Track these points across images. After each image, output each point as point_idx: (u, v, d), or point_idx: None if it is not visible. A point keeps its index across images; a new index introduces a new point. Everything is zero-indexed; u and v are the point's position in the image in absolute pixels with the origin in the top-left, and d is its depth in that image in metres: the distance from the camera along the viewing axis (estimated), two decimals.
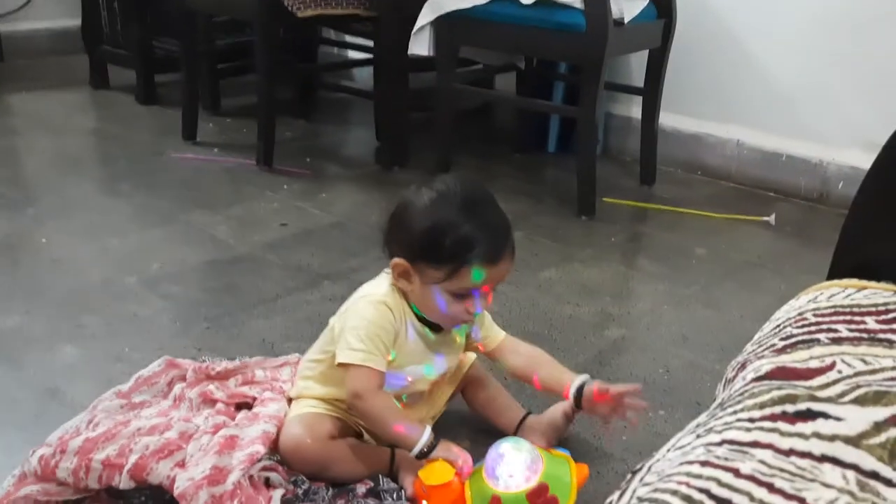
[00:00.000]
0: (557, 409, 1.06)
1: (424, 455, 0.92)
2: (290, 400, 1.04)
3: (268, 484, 0.92)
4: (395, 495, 0.94)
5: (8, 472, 0.95)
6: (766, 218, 1.95)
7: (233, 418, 1.01)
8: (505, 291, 1.53)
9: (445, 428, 1.05)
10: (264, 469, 0.91)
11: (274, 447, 0.96)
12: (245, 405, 1.06)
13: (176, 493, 0.87)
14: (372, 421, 0.97)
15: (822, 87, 2.06)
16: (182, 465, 0.92)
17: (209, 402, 1.04)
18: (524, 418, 1.07)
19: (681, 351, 1.35)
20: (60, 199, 1.87)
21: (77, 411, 1.06)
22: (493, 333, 1.08)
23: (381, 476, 0.96)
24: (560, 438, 1.06)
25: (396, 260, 0.95)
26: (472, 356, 1.12)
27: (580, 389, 1.01)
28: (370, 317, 0.95)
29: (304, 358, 1.07)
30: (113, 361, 1.22)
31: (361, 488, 0.94)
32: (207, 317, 1.37)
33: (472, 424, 1.10)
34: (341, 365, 0.95)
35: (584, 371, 1.25)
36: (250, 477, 0.89)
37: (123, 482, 0.91)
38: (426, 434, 0.93)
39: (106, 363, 1.22)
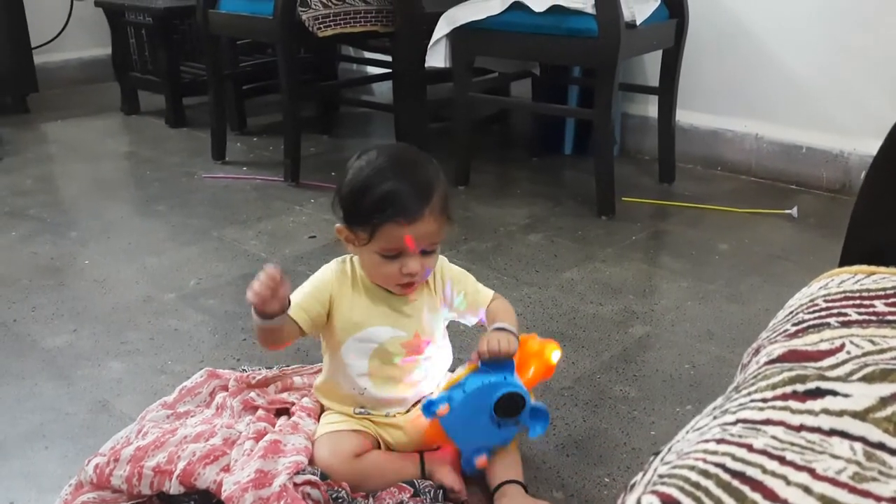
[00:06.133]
0: None
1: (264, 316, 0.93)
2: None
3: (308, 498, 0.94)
4: (432, 493, 0.96)
5: (64, 481, 1.00)
6: (788, 211, 1.95)
7: (273, 424, 1.06)
8: (528, 292, 1.56)
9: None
10: (306, 483, 0.94)
11: (314, 461, 0.99)
12: (284, 411, 1.10)
13: (223, 496, 0.91)
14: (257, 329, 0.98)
15: (839, 78, 2.06)
16: (227, 469, 0.96)
17: (250, 408, 1.09)
18: (509, 482, 0.97)
19: (706, 346, 1.36)
20: (100, 221, 1.94)
21: (126, 423, 1.11)
22: (479, 299, 1.06)
23: (416, 480, 0.98)
24: None
25: (337, 226, 0.99)
26: None
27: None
28: (313, 277, 1.03)
29: None
30: (157, 374, 1.28)
31: (401, 495, 0.96)
32: (245, 328, 1.42)
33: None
34: None
35: (611, 369, 1.28)
36: (294, 484, 0.92)
37: (173, 487, 0.95)
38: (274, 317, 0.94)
39: (151, 376, 1.27)
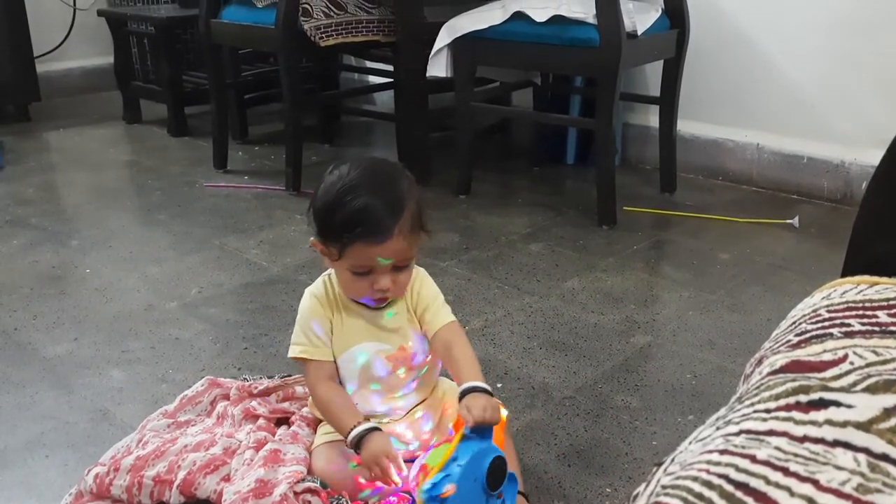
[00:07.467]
0: None
1: (356, 446, 0.91)
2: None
3: None
4: None
5: (65, 490, 1.00)
6: (789, 220, 1.95)
7: (273, 433, 1.06)
8: (529, 302, 1.56)
9: None
10: (306, 491, 0.94)
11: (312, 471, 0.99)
12: (285, 420, 1.10)
13: None
14: (321, 412, 0.99)
15: (840, 88, 2.07)
16: (227, 479, 0.96)
17: (251, 417, 1.09)
18: None
19: (708, 356, 1.36)
20: (101, 230, 1.94)
21: (127, 431, 1.11)
22: (435, 320, 1.02)
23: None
24: None
25: (312, 239, 0.99)
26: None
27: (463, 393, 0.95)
28: (303, 310, 1.01)
29: None
30: (158, 383, 1.28)
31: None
32: (246, 337, 1.42)
33: None
34: (294, 359, 1.00)
35: (612, 379, 1.28)
36: (295, 493, 0.92)
37: (174, 497, 0.95)
38: (360, 428, 0.92)
39: (152, 385, 1.27)
